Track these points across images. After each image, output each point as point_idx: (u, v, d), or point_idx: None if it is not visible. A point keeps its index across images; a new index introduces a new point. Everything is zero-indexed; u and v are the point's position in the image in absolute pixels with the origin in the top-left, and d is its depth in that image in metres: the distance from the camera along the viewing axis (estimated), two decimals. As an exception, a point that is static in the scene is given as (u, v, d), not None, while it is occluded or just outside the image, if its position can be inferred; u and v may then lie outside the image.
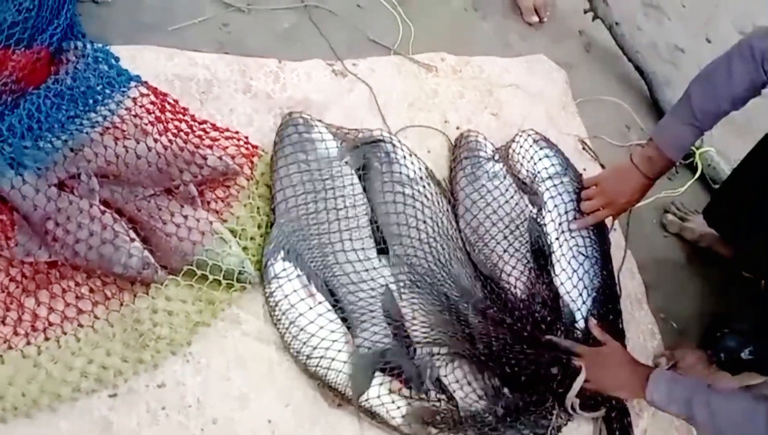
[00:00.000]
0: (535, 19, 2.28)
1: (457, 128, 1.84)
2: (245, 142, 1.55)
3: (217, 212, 1.47)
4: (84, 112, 1.40)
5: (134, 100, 1.42)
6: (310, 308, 1.39)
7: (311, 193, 1.49)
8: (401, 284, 1.49)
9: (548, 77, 2.13)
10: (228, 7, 1.79)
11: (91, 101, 1.40)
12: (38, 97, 1.37)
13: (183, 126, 1.48)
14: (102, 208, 1.35)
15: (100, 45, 1.44)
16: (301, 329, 1.38)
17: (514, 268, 1.62)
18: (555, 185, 1.73)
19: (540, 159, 1.77)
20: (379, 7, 1.99)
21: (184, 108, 1.49)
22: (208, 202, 1.48)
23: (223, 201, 1.50)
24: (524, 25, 2.25)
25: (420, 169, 1.62)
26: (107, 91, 1.40)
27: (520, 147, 1.79)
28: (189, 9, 1.74)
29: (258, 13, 1.81)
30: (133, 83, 1.42)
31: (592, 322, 1.63)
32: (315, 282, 1.43)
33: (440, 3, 2.12)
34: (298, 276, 1.41)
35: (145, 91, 1.43)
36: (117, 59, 1.43)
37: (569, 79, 2.17)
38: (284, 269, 1.41)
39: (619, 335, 1.67)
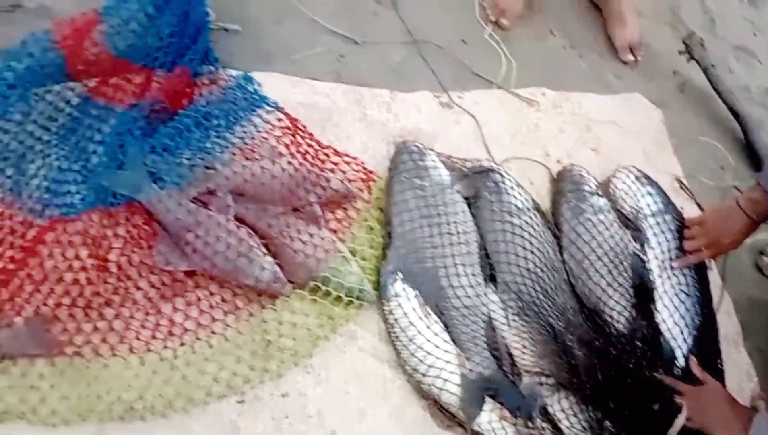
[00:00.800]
0: (630, 58, 2.34)
1: (558, 162, 1.90)
2: (363, 168, 1.64)
3: (335, 232, 1.56)
4: (222, 132, 1.51)
5: (269, 123, 1.52)
6: (427, 327, 1.45)
7: (426, 217, 1.56)
8: (510, 311, 1.54)
9: (644, 115, 2.17)
10: (344, 40, 1.90)
11: (229, 123, 1.51)
12: (184, 117, 1.48)
13: (310, 150, 1.58)
14: (237, 223, 1.45)
15: (242, 72, 1.55)
16: (418, 347, 1.43)
17: (617, 302, 1.65)
18: (658, 223, 1.76)
19: (642, 196, 1.80)
20: (483, 43, 2.08)
21: (310, 133, 1.59)
22: (328, 222, 1.57)
23: (341, 222, 1.58)
24: (619, 64, 2.31)
25: (527, 199, 1.68)
26: (245, 114, 1.51)
27: (623, 183, 1.83)
28: (308, 40, 1.85)
29: (371, 46, 1.92)
30: (269, 108, 1.52)
31: (693, 360, 1.63)
32: (429, 303, 1.49)
33: (540, 41, 2.20)
34: (416, 296, 1.47)
35: (279, 115, 1.53)
36: (259, 85, 1.54)
37: (664, 118, 2.21)
38: (403, 289, 1.47)
39: (718, 375, 1.67)
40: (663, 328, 1.66)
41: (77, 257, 1.37)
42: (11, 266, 1.34)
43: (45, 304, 1.31)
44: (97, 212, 1.41)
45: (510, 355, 1.52)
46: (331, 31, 1.89)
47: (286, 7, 1.88)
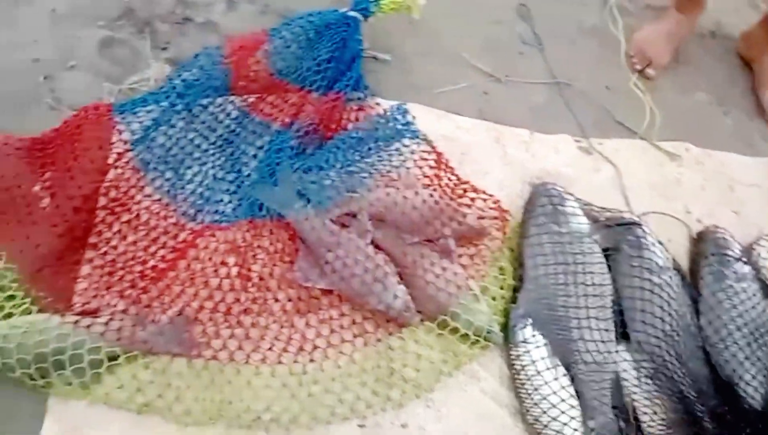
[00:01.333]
0: None
1: (698, 221, 1.81)
2: (498, 206, 1.62)
3: (466, 268, 1.54)
4: (369, 159, 1.54)
5: (415, 154, 1.54)
6: (555, 379, 1.40)
7: (562, 264, 1.52)
8: (642, 372, 1.47)
9: (791, 182, 2.05)
10: (488, 77, 1.91)
11: (378, 150, 1.54)
12: (337, 141, 1.53)
13: (450, 183, 1.59)
14: (375, 248, 1.47)
15: (396, 102, 1.58)
16: (543, 398, 1.39)
17: (753, 377, 1.54)
18: None
19: None
20: (627, 91, 2.03)
21: (452, 167, 1.60)
22: (460, 257, 1.55)
23: (472, 258, 1.56)
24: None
25: (668, 258, 1.60)
26: (393, 143, 1.54)
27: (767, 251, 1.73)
28: (453, 75, 1.88)
29: (514, 85, 1.92)
30: (416, 139, 1.54)
31: None
32: (557, 354, 1.45)
33: (686, 94, 2.12)
34: (545, 345, 1.43)
35: (425, 147, 1.54)
36: (413, 117, 1.56)
37: (814, 188, 2.08)
38: (533, 335, 1.43)
39: None
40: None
41: (223, 264, 1.43)
42: (162, 265, 1.41)
43: (189, 306, 1.37)
44: (246, 223, 1.48)
45: (636, 419, 1.45)
46: (476, 68, 1.90)
47: (433, 42, 1.92)
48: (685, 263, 1.71)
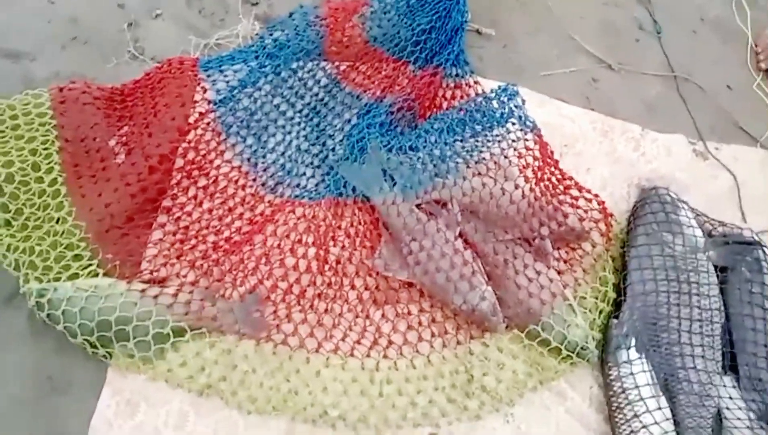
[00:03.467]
0: None
1: (822, 245, 1.60)
2: (603, 208, 1.45)
3: (560, 273, 1.38)
4: (466, 145, 1.38)
5: (519, 143, 1.37)
6: (659, 408, 1.23)
7: (673, 281, 1.34)
8: (752, 413, 1.29)
9: None
10: (599, 63, 1.71)
11: (477, 133, 1.38)
12: (433, 122, 1.37)
13: (552, 178, 1.42)
14: (464, 243, 1.32)
15: (509, 84, 1.41)
16: (643, 427, 1.22)
17: None
18: None
19: None
20: (751, 93, 1.79)
21: (556, 160, 1.43)
22: (556, 260, 1.39)
23: (567, 262, 1.40)
24: None
25: (790, 286, 1.41)
26: (496, 130, 1.37)
27: None
28: (562, 58, 1.69)
29: (627, 75, 1.72)
30: (523, 126, 1.37)
31: None
32: (658, 380, 1.28)
33: (816, 101, 1.88)
34: (650, 370, 1.27)
35: (531, 136, 1.37)
36: (523, 101, 1.39)
37: None
38: (639, 358, 1.27)
39: None
40: None
41: (300, 243, 1.31)
42: (237, 238, 1.30)
43: (262, 284, 1.26)
44: (327, 202, 1.35)
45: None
46: (587, 52, 1.71)
47: (542, 19, 1.74)
48: (804, 291, 1.51)
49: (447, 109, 1.47)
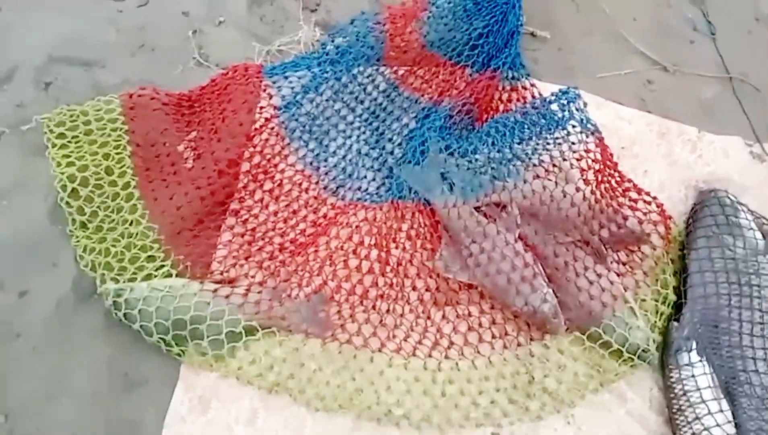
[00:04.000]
0: None
1: None
2: (662, 210, 1.44)
3: (620, 276, 1.38)
4: (527, 144, 1.39)
5: (580, 146, 1.37)
6: (720, 411, 1.23)
7: (734, 284, 1.33)
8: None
9: None
10: (654, 64, 1.71)
11: (538, 136, 1.39)
12: (493, 124, 1.39)
13: (612, 181, 1.42)
14: (524, 245, 1.33)
15: (571, 87, 1.42)
16: (705, 429, 1.22)
17: None
18: None
19: None
20: (809, 95, 1.78)
21: (615, 163, 1.42)
22: (617, 263, 1.39)
23: (625, 265, 1.40)
24: None
25: None
26: (556, 132, 1.38)
27: None
28: (616, 59, 1.69)
29: (682, 76, 1.71)
30: (585, 129, 1.38)
31: None
32: (719, 383, 1.28)
33: None
34: (712, 373, 1.26)
35: (591, 139, 1.38)
36: (585, 104, 1.39)
37: None
38: (700, 361, 1.26)
39: None
40: None
41: (362, 244, 1.33)
42: (302, 239, 1.33)
43: (326, 285, 1.28)
44: (388, 205, 1.37)
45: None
46: (642, 54, 1.71)
47: (597, 20, 1.74)
48: None
49: (504, 112, 1.47)
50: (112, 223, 1.29)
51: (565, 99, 1.39)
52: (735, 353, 1.30)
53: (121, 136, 1.36)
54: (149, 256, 1.25)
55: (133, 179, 1.32)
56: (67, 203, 1.29)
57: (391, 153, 1.44)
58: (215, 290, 1.21)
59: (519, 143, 1.40)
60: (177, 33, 1.52)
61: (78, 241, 1.26)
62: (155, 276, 1.23)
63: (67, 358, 1.18)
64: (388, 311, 1.29)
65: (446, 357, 1.27)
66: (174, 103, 1.41)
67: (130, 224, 1.28)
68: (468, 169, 1.39)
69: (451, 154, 1.41)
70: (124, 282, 1.21)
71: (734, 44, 1.81)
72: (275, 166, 1.38)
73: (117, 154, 1.35)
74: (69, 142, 1.35)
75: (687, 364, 1.27)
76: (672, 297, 1.36)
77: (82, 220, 1.28)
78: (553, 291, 1.31)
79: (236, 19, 1.56)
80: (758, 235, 1.40)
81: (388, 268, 1.32)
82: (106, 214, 1.29)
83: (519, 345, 1.30)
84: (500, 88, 1.52)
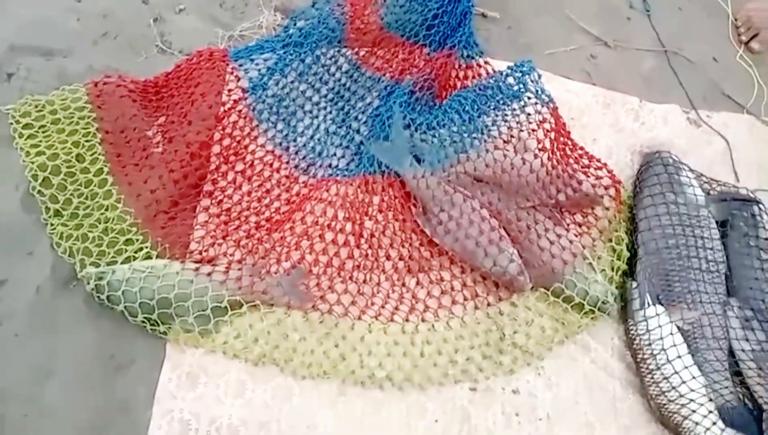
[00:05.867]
0: None
1: (807, 202, 1.72)
2: (612, 175, 1.54)
3: (578, 236, 1.47)
4: (486, 119, 1.46)
5: (535, 116, 1.46)
6: (678, 357, 1.33)
7: (681, 236, 1.44)
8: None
9: None
10: (596, 41, 1.81)
11: (495, 111, 1.46)
12: (453, 99, 1.45)
13: (566, 148, 1.50)
14: (489, 211, 1.41)
15: (525, 60, 1.49)
16: (665, 378, 1.32)
17: None
18: None
19: None
20: (735, 64, 1.92)
21: (568, 132, 1.51)
22: (568, 225, 1.49)
23: (581, 226, 1.49)
24: None
25: (783, 237, 1.53)
26: (512, 104, 1.45)
27: None
28: (562, 37, 1.79)
29: (623, 51, 1.82)
30: (540, 100, 1.46)
31: None
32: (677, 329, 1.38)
33: (793, 70, 2.01)
34: (670, 322, 1.37)
35: (544, 109, 1.46)
36: (539, 76, 1.47)
37: None
38: (656, 313, 1.36)
39: None
40: None
41: (336, 218, 1.37)
42: (277, 217, 1.36)
43: (303, 259, 1.32)
44: (358, 179, 1.41)
45: (748, 388, 1.38)
46: (585, 31, 1.81)
47: (542, 1, 1.82)
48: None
49: (462, 88, 1.54)
50: (87, 209, 1.28)
51: (520, 72, 1.47)
52: (687, 298, 1.40)
53: (90, 123, 1.36)
54: (127, 240, 1.26)
55: (106, 165, 1.32)
56: (40, 192, 1.28)
57: (358, 131, 1.49)
58: (196, 269, 1.23)
59: (479, 116, 1.47)
60: (138, 21, 1.51)
61: (54, 229, 1.25)
62: (135, 258, 1.24)
63: (52, 344, 1.17)
64: (365, 281, 1.34)
65: (422, 320, 1.33)
66: (140, 90, 1.41)
67: (106, 209, 1.28)
68: (432, 142, 1.46)
69: (415, 128, 1.47)
70: (104, 265, 1.22)
71: (668, 20, 1.94)
72: (245, 147, 1.40)
73: (87, 141, 1.34)
74: (36, 132, 1.34)
75: (645, 317, 1.37)
76: (625, 253, 1.46)
77: (57, 208, 1.27)
78: (518, 252, 1.39)
79: (197, 7, 1.56)
80: (698, 191, 1.52)
81: (362, 240, 1.36)
82: (80, 200, 1.29)
83: (489, 305, 1.38)
84: (457, 66, 1.59)
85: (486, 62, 1.61)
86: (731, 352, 1.39)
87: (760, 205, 1.53)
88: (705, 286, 1.42)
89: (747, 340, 1.40)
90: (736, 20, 2.01)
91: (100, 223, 1.27)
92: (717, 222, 1.51)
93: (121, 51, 1.48)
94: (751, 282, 1.45)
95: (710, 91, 1.84)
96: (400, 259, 1.38)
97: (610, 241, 1.48)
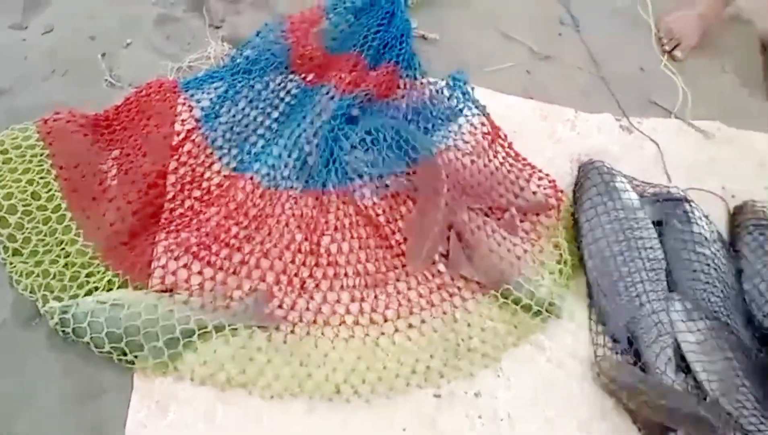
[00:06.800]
0: None
1: (733, 196, 1.84)
2: (553, 185, 1.63)
3: (522, 240, 1.55)
4: (430, 129, 1.55)
5: (473, 125, 1.55)
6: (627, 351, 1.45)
7: (622, 239, 1.53)
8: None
9: (815, 159, 2.11)
10: (532, 56, 1.92)
11: (436, 121, 1.55)
12: (395, 111, 1.55)
13: (509, 158, 1.60)
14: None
15: (460, 75, 1.59)
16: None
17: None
18: None
19: None
20: (660, 72, 2.05)
21: (510, 142, 1.61)
22: (516, 230, 1.55)
23: (528, 233, 1.58)
24: (787, 106, 2.25)
25: (713, 231, 1.63)
26: (450, 115, 1.55)
27: None
28: (500, 54, 1.89)
29: (556, 65, 1.93)
30: (474, 111, 1.55)
31: None
32: (623, 322, 1.48)
33: (713, 76, 2.15)
34: (617, 317, 1.47)
35: (484, 120, 1.55)
36: (472, 88, 1.56)
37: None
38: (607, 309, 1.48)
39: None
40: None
41: (293, 240, 1.42)
42: (235, 242, 1.39)
43: (264, 280, 1.36)
44: (311, 197, 1.47)
45: (694, 377, 1.47)
46: (521, 48, 1.92)
47: (480, 21, 1.93)
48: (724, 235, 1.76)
49: (406, 105, 1.63)
50: (47, 245, 1.29)
51: (456, 84, 1.57)
52: (632, 295, 1.50)
53: (43, 160, 1.37)
54: (89, 273, 1.27)
55: (63, 201, 1.33)
56: (-3, 232, 1.29)
57: (310, 153, 1.53)
58: (160, 296, 1.26)
59: (425, 127, 1.56)
60: (86, 57, 1.54)
61: (14, 268, 1.26)
62: (98, 290, 1.26)
63: (19, 381, 1.18)
64: (325, 298, 1.39)
65: (382, 333, 1.38)
66: (91, 125, 1.43)
67: (66, 244, 1.29)
68: (382, 151, 1.53)
69: (365, 141, 1.54)
70: (68, 299, 1.23)
71: (596, 34, 2.06)
72: (201, 174, 1.43)
73: (41, 178, 1.35)
74: (-11, 172, 1.35)
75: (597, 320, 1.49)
76: (567, 256, 1.55)
77: (15, 248, 1.28)
78: (469, 255, 1.47)
79: (143, 40, 1.59)
80: (633, 195, 1.62)
81: (320, 258, 1.41)
82: (39, 238, 1.30)
83: (444, 313, 1.44)
84: (401, 85, 1.67)
85: (429, 82, 1.70)
86: (678, 345, 1.49)
87: (691, 203, 1.65)
88: (649, 285, 1.51)
89: (690, 331, 1.50)
90: (658, 31, 2.16)
91: (60, 259, 1.28)
92: (653, 222, 1.61)
93: (70, 87, 1.49)
94: (690, 274, 1.56)
95: (639, 99, 1.96)
96: (357, 274, 1.43)
97: (555, 246, 1.57)
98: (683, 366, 1.47)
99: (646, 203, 1.63)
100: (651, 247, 1.55)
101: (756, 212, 1.74)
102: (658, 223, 1.62)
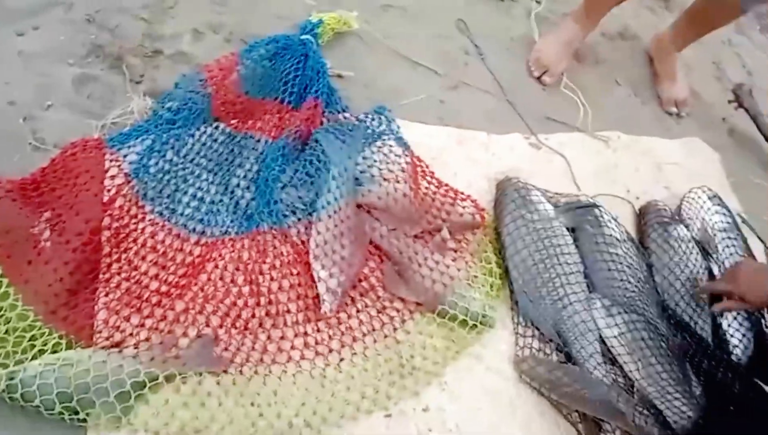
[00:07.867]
0: (674, 110, 2.45)
1: (637, 198, 2.03)
2: (476, 205, 1.75)
3: (454, 260, 1.66)
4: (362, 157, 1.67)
5: (397, 155, 1.66)
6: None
7: (542, 249, 1.66)
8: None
9: (705, 158, 2.32)
10: (442, 86, 2.06)
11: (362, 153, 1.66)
12: (322, 137, 1.65)
13: (431, 186, 1.71)
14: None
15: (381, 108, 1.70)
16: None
17: (699, 316, 1.76)
18: (729, 238, 1.92)
19: (715, 212, 1.98)
20: (560, 92, 2.25)
21: (432, 172, 1.72)
22: (445, 252, 1.65)
23: (456, 252, 1.68)
24: (675, 112, 2.48)
25: (623, 232, 1.80)
26: (372, 145, 1.66)
27: (695, 200, 2.00)
28: (413, 87, 2.00)
29: (466, 92, 2.08)
30: (395, 143, 1.67)
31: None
32: (547, 325, 1.61)
33: (609, 90, 2.36)
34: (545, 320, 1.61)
35: (407, 152, 1.66)
36: (393, 119, 1.68)
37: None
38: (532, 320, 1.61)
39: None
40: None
41: (233, 282, 1.46)
42: (175, 291, 1.42)
43: (208, 325, 1.39)
44: (248, 241, 1.52)
45: (621, 369, 1.60)
46: (432, 79, 2.05)
47: (391, 57, 2.06)
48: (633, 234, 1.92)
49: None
50: (-15, 315, 1.29)
51: (378, 116, 1.68)
52: (554, 298, 1.63)
53: (-28, 230, 1.37)
54: (32, 336, 1.26)
55: (-2, 268, 1.34)
56: (-72, 307, 1.27)
57: (242, 197, 1.59)
58: (108, 353, 1.27)
59: (350, 158, 1.65)
60: (7, 122, 1.53)
61: (-49, 340, 1.25)
62: (44, 352, 1.25)
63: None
64: (269, 337, 1.43)
65: (327, 364, 1.44)
66: (19, 189, 1.42)
67: (6, 311, 1.28)
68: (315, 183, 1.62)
69: (296, 181, 1.62)
70: (13, 365, 1.23)
71: (499, 62, 2.23)
72: (135, 228, 1.45)
73: (-27, 248, 1.35)
74: None
75: (525, 325, 1.61)
76: (496, 270, 1.67)
77: (-50, 320, 1.27)
78: (405, 280, 1.57)
79: (64, 101, 1.60)
80: (548, 206, 1.76)
81: (262, 298, 1.46)
82: (-24, 308, 1.29)
83: (386, 336, 1.51)
84: (324, 121, 1.76)
85: (352, 115, 1.80)
86: (602, 341, 1.62)
87: (601, 208, 1.81)
88: (570, 288, 1.64)
89: (610, 326, 1.64)
90: (528, 61, 2.30)
91: (1, 325, 1.27)
92: (568, 229, 1.75)
93: (-9, 153, 1.50)
94: (606, 273, 1.70)
95: (544, 117, 2.13)
96: (299, 311, 1.48)
97: (482, 261, 1.68)
98: (609, 358, 1.61)
99: (560, 212, 1.78)
100: (569, 253, 1.69)
101: (659, 211, 1.93)
102: (572, 230, 1.77)
